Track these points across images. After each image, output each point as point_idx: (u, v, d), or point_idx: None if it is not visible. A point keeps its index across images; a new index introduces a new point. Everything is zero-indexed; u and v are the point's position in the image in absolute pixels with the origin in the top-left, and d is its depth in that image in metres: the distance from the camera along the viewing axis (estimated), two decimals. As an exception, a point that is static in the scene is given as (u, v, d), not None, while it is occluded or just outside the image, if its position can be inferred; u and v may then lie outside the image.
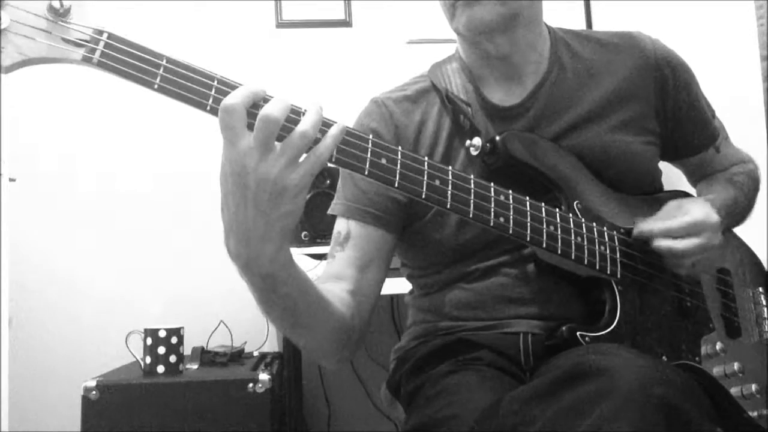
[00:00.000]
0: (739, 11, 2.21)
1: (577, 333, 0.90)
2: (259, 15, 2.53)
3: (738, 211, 1.13)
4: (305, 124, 0.70)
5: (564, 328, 0.90)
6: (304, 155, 0.71)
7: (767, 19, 2.18)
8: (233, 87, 0.72)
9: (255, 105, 0.70)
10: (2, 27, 0.67)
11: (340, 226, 1.05)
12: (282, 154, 0.69)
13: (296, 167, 0.70)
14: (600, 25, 2.54)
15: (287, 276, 0.79)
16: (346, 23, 2.56)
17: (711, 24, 2.24)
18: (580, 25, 2.54)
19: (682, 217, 0.97)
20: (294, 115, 0.72)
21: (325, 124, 0.73)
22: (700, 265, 1.00)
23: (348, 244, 1.03)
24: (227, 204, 0.72)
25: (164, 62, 0.71)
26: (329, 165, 0.79)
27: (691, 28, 2.23)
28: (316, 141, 0.72)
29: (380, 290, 1.04)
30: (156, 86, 0.71)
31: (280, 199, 0.70)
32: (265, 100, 0.71)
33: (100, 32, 0.71)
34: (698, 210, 0.98)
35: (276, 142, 0.70)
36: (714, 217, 0.98)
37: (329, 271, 1.02)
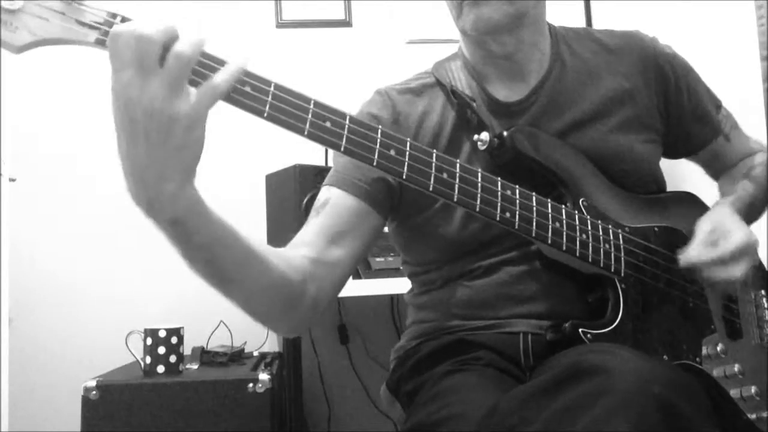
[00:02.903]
0: (739, 11, 2.21)
1: (580, 330, 0.90)
2: (259, 15, 2.54)
3: (756, 207, 1.14)
4: (180, 44, 0.67)
5: (567, 324, 0.90)
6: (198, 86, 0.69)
7: (767, 19, 2.18)
8: (243, 73, 0.72)
9: None
10: (16, 7, 0.67)
11: (322, 193, 1.03)
12: (162, 80, 0.66)
13: (183, 95, 0.67)
14: (600, 25, 2.54)
15: (199, 224, 0.75)
16: (346, 23, 2.56)
17: (711, 24, 2.24)
18: (580, 24, 2.54)
19: (729, 243, 0.97)
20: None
21: (246, 82, 0.71)
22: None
23: (323, 211, 1.00)
24: (120, 142, 0.69)
25: None
26: (333, 156, 0.78)
27: (691, 28, 2.23)
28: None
29: (350, 268, 1.00)
30: None
31: (171, 131, 0.67)
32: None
33: (114, 15, 0.70)
34: (739, 232, 0.99)
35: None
36: (754, 237, 0.99)
37: (298, 236, 0.99)
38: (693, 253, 0.98)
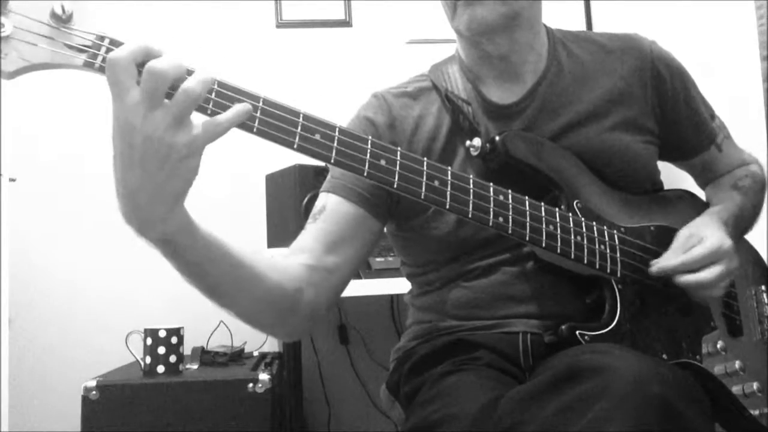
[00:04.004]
0: (739, 11, 2.21)
1: (577, 332, 0.90)
2: (259, 15, 2.54)
3: (745, 218, 1.13)
4: (191, 81, 0.68)
5: (564, 326, 0.90)
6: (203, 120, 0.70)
7: (767, 19, 2.18)
8: (230, 89, 0.72)
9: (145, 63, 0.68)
10: (5, 34, 0.68)
11: (320, 199, 1.04)
12: (167, 112, 0.67)
13: (184, 128, 0.68)
14: (600, 25, 2.54)
15: (189, 243, 0.77)
16: (346, 23, 2.56)
17: (711, 24, 2.24)
18: (580, 25, 2.54)
19: (698, 249, 0.96)
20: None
21: (236, 99, 0.72)
22: (721, 291, 0.99)
23: (321, 217, 1.01)
24: (116, 164, 0.70)
25: None
26: (329, 165, 0.80)
27: (691, 29, 2.23)
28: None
29: (349, 273, 1.02)
30: None
31: (167, 160, 0.68)
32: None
33: (102, 38, 0.71)
34: (712, 237, 0.97)
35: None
36: (728, 241, 0.98)
37: (296, 243, 1.00)
38: (662, 260, 0.97)
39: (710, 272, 0.95)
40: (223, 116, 0.70)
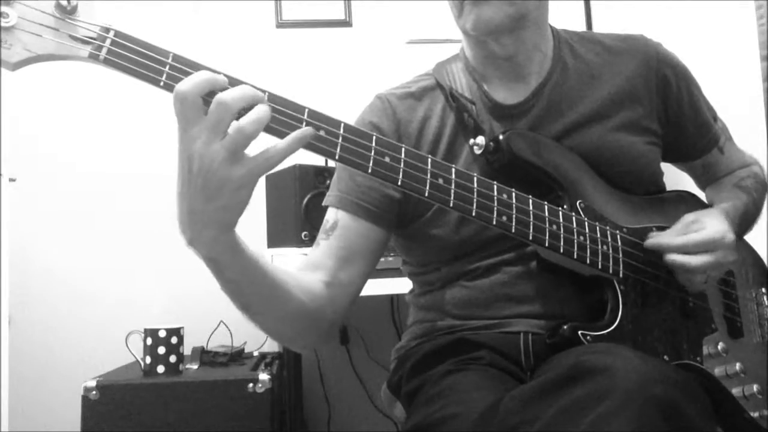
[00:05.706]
0: (739, 11, 2.21)
1: (579, 332, 0.89)
2: (259, 15, 2.54)
3: (749, 217, 1.14)
4: (245, 119, 0.70)
5: (566, 326, 0.90)
6: (254, 152, 0.72)
7: (767, 19, 2.18)
8: (238, 84, 0.73)
9: (211, 93, 0.71)
10: (10, 24, 0.68)
11: (330, 215, 1.06)
12: (223, 146, 0.70)
13: (238, 162, 0.71)
14: (600, 25, 2.54)
15: (230, 262, 0.80)
16: (346, 23, 2.56)
17: (711, 24, 2.24)
18: (580, 25, 2.54)
19: (697, 233, 0.97)
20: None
21: (292, 126, 0.74)
22: (710, 281, 1.00)
23: (334, 234, 1.03)
24: (179, 181, 0.74)
25: (170, 60, 0.72)
26: (332, 173, 0.80)
27: (691, 29, 2.23)
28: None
29: (362, 284, 1.05)
30: (162, 83, 0.72)
31: (220, 191, 0.71)
32: (225, 90, 0.71)
33: (107, 30, 0.72)
34: (715, 227, 0.98)
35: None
36: (730, 236, 0.98)
37: (310, 258, 1.03)
38: (659, 236, 0.98)
39: (700, 259, 0.95)
40: (275, 147, 0.72)
